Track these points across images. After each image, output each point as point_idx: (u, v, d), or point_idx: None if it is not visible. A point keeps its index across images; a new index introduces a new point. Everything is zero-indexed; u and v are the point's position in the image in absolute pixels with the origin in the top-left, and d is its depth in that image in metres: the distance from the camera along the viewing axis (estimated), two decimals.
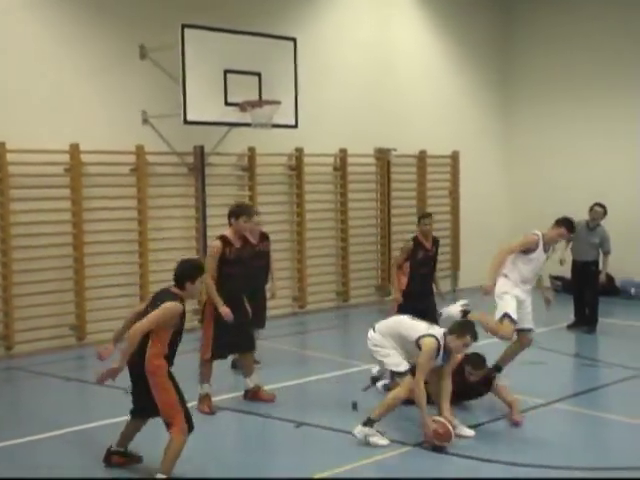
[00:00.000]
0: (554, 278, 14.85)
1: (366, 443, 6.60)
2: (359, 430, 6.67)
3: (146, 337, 5.71)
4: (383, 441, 6.64)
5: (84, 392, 8.78)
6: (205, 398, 7.61)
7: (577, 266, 11.65)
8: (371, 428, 6.65)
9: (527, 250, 8.03)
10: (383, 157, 13.98)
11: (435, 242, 9.44)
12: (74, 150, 10.40)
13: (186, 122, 10.59)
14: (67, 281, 10.58)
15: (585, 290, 11.63)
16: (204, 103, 10.69)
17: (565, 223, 8.29)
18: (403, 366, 6.90)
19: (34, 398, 8.42)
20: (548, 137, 15.50)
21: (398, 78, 14.33)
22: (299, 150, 12.79)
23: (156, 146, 11.24)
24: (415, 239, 9.27)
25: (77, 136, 10.45)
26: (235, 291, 7.65)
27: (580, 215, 14.88)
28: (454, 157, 15.15)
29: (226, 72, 10.88)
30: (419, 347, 6.74)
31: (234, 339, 7.62)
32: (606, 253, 11.52)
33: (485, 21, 15.77)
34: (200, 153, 11.62)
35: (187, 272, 5.97)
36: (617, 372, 8.93)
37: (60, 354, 10.21)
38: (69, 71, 10.61)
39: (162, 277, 11.12)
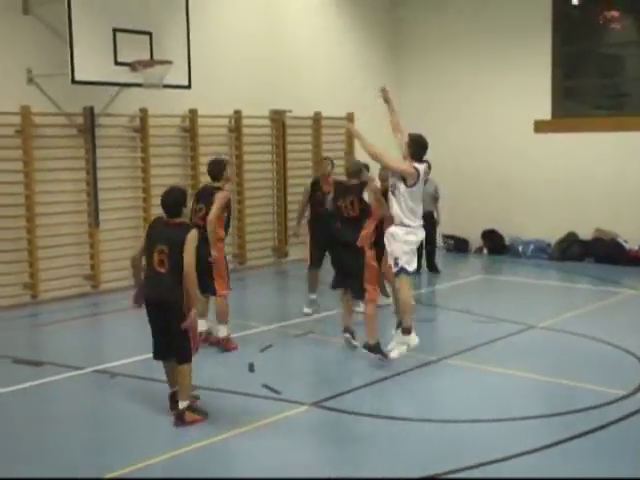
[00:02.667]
0: (446, 237, 15.26)
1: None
2: (397, 346, 7.63)
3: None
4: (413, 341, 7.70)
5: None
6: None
7: None
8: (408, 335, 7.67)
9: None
10: (278, 119, 13.91)
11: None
12: None
13: (74, 82, 10.20)
14: None
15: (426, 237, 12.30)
16: (93, 62, 10.31)
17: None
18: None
19: None
20: (438, 97, 15.83)
21: (292, 40, 14.23)
22: (193, 111, 12.57)
23: (43, 107, 10.81)
24: (314, 182, 10.32)
25: None
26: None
27: (474, 168, 15.31)
28: (349, 119, 15.20)
29: (115, 30, 10.52)
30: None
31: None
32: (437, 200, 12.99)
33: None
34: (90, 114, 11.25)
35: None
36: (506, 327, 9.24)
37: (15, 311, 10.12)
38: None
39: (51, 242, 10.86)
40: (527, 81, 14.77)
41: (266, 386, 7.12)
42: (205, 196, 8.39)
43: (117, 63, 10.58)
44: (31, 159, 10.69)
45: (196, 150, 12.70)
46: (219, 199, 8.16)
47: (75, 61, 10.08)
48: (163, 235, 6.20)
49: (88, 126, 11.27)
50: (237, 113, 13.26)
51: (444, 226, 14.20)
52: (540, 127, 14.73)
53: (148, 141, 12.03)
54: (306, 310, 10.08)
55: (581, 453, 5.67)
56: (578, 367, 7.73)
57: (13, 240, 10.63)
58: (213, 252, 8.03)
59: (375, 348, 7.88)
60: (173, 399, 6.43)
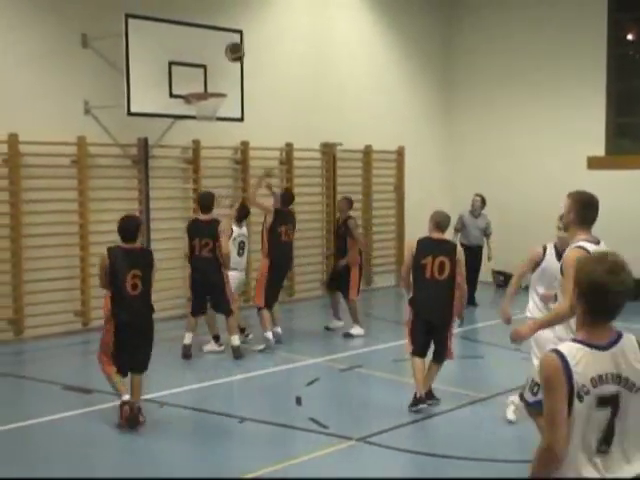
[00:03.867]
0: (497, 273, 15.09)
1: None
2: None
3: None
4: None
5: (20, 388, 8.59)
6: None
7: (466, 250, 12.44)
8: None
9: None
10: (329, 152, 13.98)
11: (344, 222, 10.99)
12: (13, 140, 10.15)
13: (129, 113, 10.42)
14: (4, 274, 10.34)
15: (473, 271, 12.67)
16: (148, 94, 10.53)
17: None
18: None
19: None
20: (489, 130, 15.76)
21: (342, 72, 14.33)
22: (245, 144, 12.71)
23: (98, 137, 11.04)
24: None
25: (16, 126, 10.19)
26: None
27: (524, 204, 15.15)
28: (399, 152, 15.23)
29: (171, 64, 10.74)
30: None
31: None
32: (489, 236, 13.04)
33: (428, 18, 15.87)
34: (144, 145, 11.45)
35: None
36: None
37: (67, 338, 10.26)
38: (9, 59, 10.34)
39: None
40: (581, 117, 14.61)
41: (313, 420, 7.08)
42: (207, 230, 9.27)
43: (172, 95, 10.78)
44: (86, 188, 10.89)
45: (247, 182, 12.79)
46: (225, 231, 9.27)
47: (131, 93, 10.30)
48: (135, 261, 6.84)
49: (142, 157, 11.46)
50: (288, 146, 13.36)
51: (495, 262, 14.07)
52: (593, 163, 14.53)
53: (200, 172, 12.18)
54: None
55: None
56: None
57: (67, 268, 10.81)
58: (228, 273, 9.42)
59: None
60: (132, 407, 6.80)
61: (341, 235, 10.97)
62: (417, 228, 15.23)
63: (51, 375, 7.58)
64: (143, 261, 6.95)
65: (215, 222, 9.34)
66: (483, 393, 7.97)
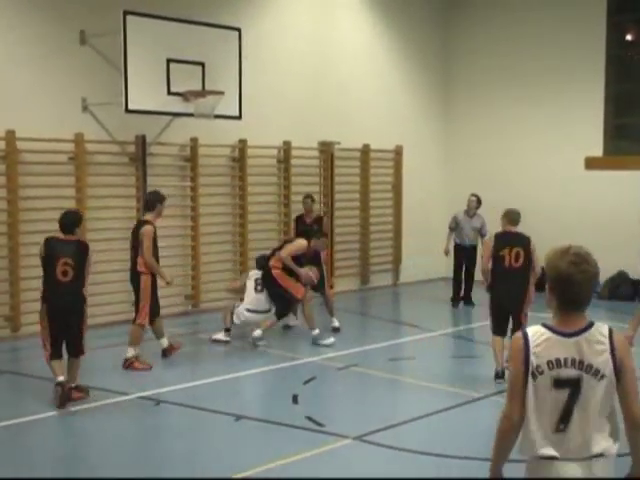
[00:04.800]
0: None
1: None
2: None
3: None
4: None
5: (17, 385, 8.58)
6: (135, 358, 8.72)
7: (461, 250, 13.14)
8: None
9: None
10: (327, 150, 13.97)
11: (318, 219, 11.57)
12: (10, 137, 10.13)
13: (127, 111, 10.39)
14: (1, 271, 10.32)
15: (465, 270, 13.18)
16: (146, 92, 10.50)
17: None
18: None
19: None
20: (488, 131, 15.76)
21: (342, 72, 14.33)
22: (242, 142, 12.70)
23: (96, 134, 11.02)
24: (297, 218, 11.88)
25: (13, 123, 10.17)
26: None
27: (522, 205, 15.10)
28: (397, 152, 15.23)
29: (169, 61, 10.71)
30: None
31: (157, 305, 9.06)
32: (484, 236, 12.70)
33: (428, 18, 15.88)
34: (142, 142, 11.43)
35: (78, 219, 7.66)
36: None
37: None
38: (6, 56, 10.32)
39: (100, 268, 10.99)
40: (579, 118, 14.63)
41: (309, 418, 7.07)
42: (135, 231, 8.96)
43: (170, 93, 10.75)
44: (83, 186, 10.88)
45: (245, 180, 12.79)
46: (146, 234, 8.71)
47: (129, 91, 10.27)
48: (68, 250, 7.35)
49: (140, 154, 11.45)
50: (286, 144, 13.35)
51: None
52: (591, 164, 14.54)
53: (198, 170, 12.17)
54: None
55: None
56: None
57: None
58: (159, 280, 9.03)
59: None
60: (64, 387, 7.28)
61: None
62: (415, 227, 15.39)
63: (48, 372, 7.57)
64: (77, 251, 7.42)
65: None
66: (479, 392, 7.97)
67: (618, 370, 3.22)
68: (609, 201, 14.19)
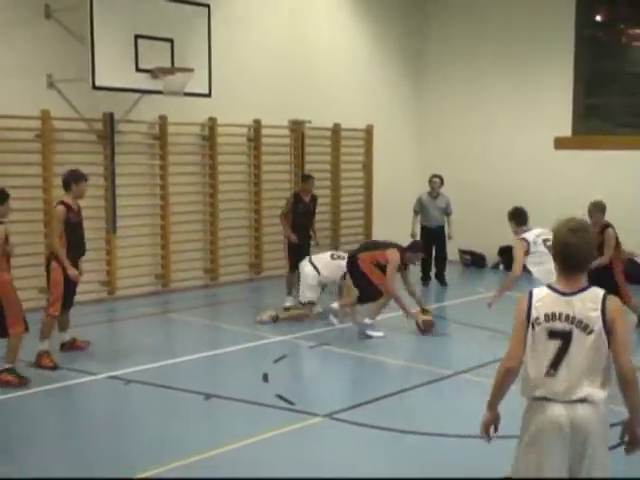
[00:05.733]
0: (463, 252, 15.17)
1: None
2: None
3: None
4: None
5: None
6: (46, 354, 8.02)
7: (427, 231, 13.09)
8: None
9: None
10: (297, 129, 13.89)
11: (313, 198, 11.33)
12: None
13: (94, 87, 10.22)
14: None
15: (434, 251, 13.11)
16: (114, 68, 10.31)
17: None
18: None
19: None
20: (458, 111, 15.77)
21: (313, 50, 14.22)
22: (212, 120, 12.57)
23: (63, 112, 10.83)
24: (296, 194, 11.38)
25: None
26: (77, 254, 8.37)
27: (493, 184, 15.24)
28: (368, 131, 15.19)
29: (137, 37, 10.52)
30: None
31: (70, 297, 8.45)
32: (449, 215, 13.04)
33: None
34: (109, 120, 11.27)
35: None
36: None
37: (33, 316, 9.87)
38: None
39: None
40: (549, 97, 14.68)
41: (280, 396, 7.06)
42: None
43: (138, 70, 10.58)
44: (50, 164, 10.71)
45: (215, 159, 12.69)
46: (55, 216, 8.25)
47: (96, 67, 10.09)
48: None
49: (108, 132, 11.29)
50: (256, 122, 13.25)
51: (462, 241, 14.13)
52: (560, 144, 14.61)
53: (167, 148, 12.04)
54: (286, 304, 10.85)
55: None
56: None
57: (31, 244, 10.63)
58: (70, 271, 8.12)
59: None
60: None
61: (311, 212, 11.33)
62: (385, 207, 15.37)
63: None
64: None
65: None
66: (449, 370, 8.00)
67: (609, 329, 3.64)
68: (578, 180, 14.27)
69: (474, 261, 15.21)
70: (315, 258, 10.54)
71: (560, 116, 14.61)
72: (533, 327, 3.73)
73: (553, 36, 14.56)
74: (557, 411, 3.68)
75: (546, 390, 3.71)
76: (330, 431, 6.43)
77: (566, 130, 14.64)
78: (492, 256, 15.03)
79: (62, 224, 8.11)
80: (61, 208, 8.17)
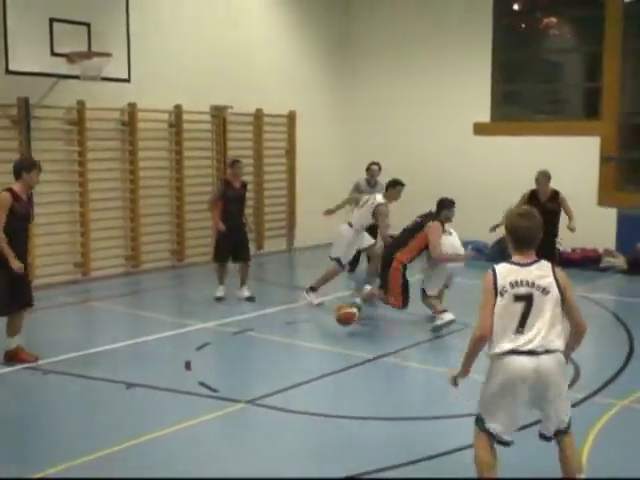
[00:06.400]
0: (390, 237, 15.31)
1: None
2: None
3: None
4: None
5: None
6: (19, 349, 7.71)
7: None
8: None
9: None
10: (219, 115, 13.78)
11: (244, 184, 10.88)
12: None
13: (8, 72, 9.95)
14: None
15: None
16: (28, 52, 10.07)
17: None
18: None
19: None
20: (380, 100, 15.91)
21: (234, 36, 14.09)
22: (132, 105, 12.36)
23: None
24: (225, 180, 10.84)
25: None
26: (21, 246, 7.66)
27: (416, 170, 15.40)
28: (291, 116, 15.18)
29: (52, 20, 10.28)
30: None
31: (20, 295, 7.68)
32: None
33: None
34: (24, 105, 10.96)
35: None
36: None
37: None
38: None
39: None
40: (469, 84, 14.95)
41: (202, 384, 7.03)
42: None
43: (54, 54, 10.35)
44: None
45: (135, 145, 12.49)
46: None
47: (9, 50, 9.84)
48: None
49: (22, 118, 10.98)
50: (177, 108, 13.09)
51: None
52: (479, 130, 14.92)
53: (86, 134, 11.79)
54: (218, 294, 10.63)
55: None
56: None
57: None
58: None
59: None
60: None
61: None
62: (308, 193, 15.41)
63: None
64: None
65: None
66: (372, 354, 8.10)
67: (562, 292, 4.43)
68: (497, 165, 14.60)
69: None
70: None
71: (479, 103, 14.90)
72: (502, 295, 4.40)
73: (472, 25, 14.84)
74: (525, 363, 4.34)
75: (515, 345, 4.36)
76: (253, 417, 6.45)
77: (485, 116, 14.93)
78: None
79: (4, 212, 7.43)
80: (5, 195, 7.50)
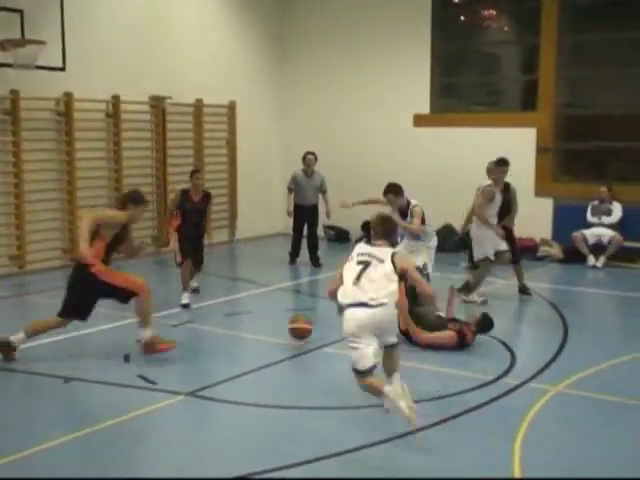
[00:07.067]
0: (328, 228, 15.37)
1: None
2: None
3: None
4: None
5: None
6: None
7: (302, 210, 12.87)
8: None
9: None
10: (158, 105, 13.62)
11: (206, 196, 10.25)
12: None
13: None
14: None
15: (309, 230, 13.02)
16: None
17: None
18: None
19: None
20: (319, 90, 15.96)
21: (173, 25, 13.95)
22: (68, 95, 12.14)
23: None
24: (184, 192, 10.14)
25: None
26: None
27: (355, 160, 15.41)
28: (231, 107, 15.09)
29: None
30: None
31: None
32: (324, 193, 12.88)
33: None
34: None
35: None
36: None
37: None
38: None
39: None
40: (409, 76, 15.06)
41: (141, 376, 6.97)
42: None
43: None
44: None
45: (71, 135, 12.27)
46: None
47: None
48: None
49: None
50: (115, 98, 12.89)
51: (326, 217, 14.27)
52: (419, 121, 15.04)
53: (20, 124, 11.54)
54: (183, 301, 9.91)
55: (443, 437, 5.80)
56: (442, 353, 7.87)
57: None
58: None
59: None
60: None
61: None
62: (250, 184, 15.35)
63: None
64: None
65: None
66: (312, 345, 8.12)
67: (404, 272, 5.97)
68: (436, 156, 14.75)
69: (338, 236, 15.46)
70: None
71: (419, 94, 15.01)
72: (351, 260, 6.04)
73: (411, 16, 14.93)
74: (359, 313, 5.79)
75: (355, 298, 5.82)
76: (193, 409, 6.42)
77: (425, 108, 15.06)
78: (356, 230, 15.30)
79: None
80: None
